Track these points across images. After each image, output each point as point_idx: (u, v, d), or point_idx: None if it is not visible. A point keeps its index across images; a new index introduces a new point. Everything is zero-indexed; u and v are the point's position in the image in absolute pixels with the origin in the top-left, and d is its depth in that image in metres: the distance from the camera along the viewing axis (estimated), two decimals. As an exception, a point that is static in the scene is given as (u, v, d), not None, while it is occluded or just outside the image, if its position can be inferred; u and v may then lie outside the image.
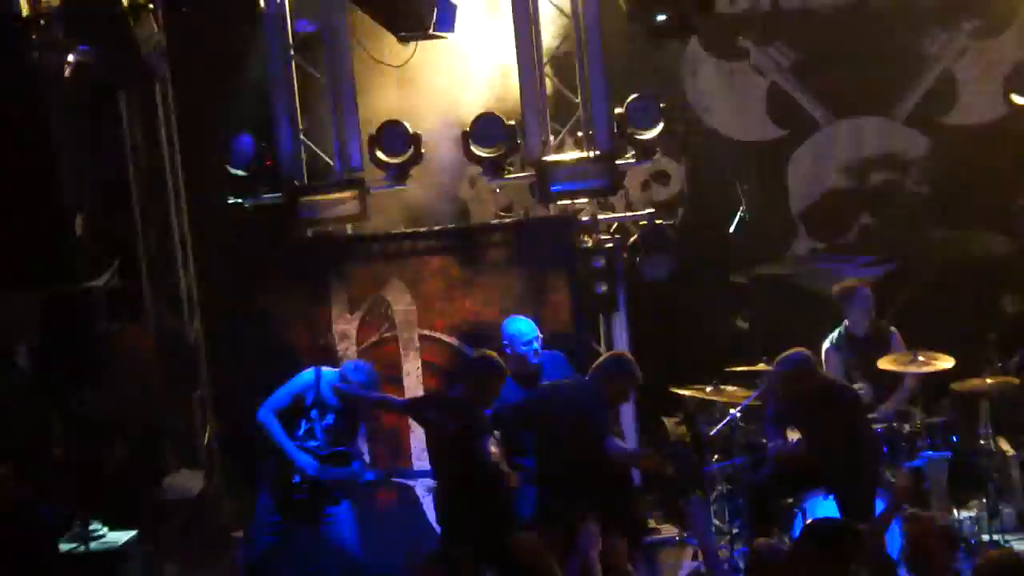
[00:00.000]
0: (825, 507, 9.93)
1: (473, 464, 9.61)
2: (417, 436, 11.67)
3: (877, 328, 11.76)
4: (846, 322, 11.77)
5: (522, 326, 10.71)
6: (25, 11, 11.55)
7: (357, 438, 10.86)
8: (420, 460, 11.67)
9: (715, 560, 10.62)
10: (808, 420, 10.16)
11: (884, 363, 11.19)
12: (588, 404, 9.85)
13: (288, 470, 10.61)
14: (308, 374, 10.78)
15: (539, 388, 10.41)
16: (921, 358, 11.06)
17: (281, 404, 10.70)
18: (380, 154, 11.91)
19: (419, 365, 11.69)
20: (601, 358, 10.06)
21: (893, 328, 11.77)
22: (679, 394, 11.77)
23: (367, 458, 11.06)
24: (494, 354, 9.99)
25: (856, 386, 11.09)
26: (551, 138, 12.21)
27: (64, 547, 11.51)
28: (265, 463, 10.79)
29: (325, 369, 10.81)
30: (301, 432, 10.68)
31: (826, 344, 11.69)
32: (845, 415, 10.04)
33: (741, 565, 10.74)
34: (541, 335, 10.75)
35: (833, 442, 9.92)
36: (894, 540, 9.65)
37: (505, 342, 10.73)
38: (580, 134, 12.30)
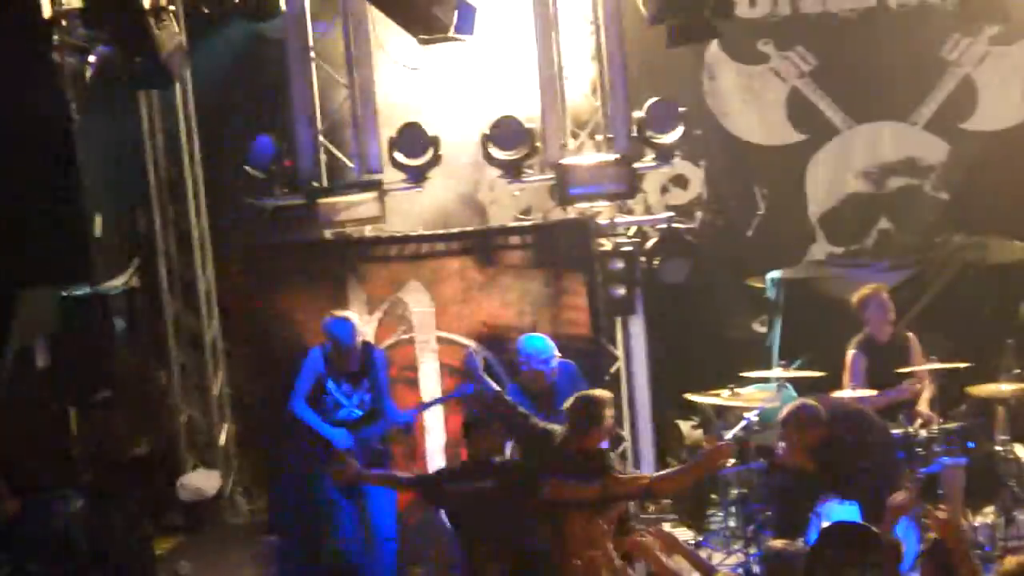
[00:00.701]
0: (841, 511, 9.91)
1: (527, 523, 9.19)
2: (433, 437, 11.72)
3: (895, 335, 11.74)
4: (867, 328, 11.75)
5: (539, 343, 10.69)
6: (47, 11, 11.61)
7: (381, 392, 10.93)
8: (434, 461, 11.74)
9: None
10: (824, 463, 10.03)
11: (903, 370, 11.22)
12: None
13: (333, 447, 10.76)
14: (315, 351, 11.00)
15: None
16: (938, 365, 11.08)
17: (306, 388, 10.92)
18: (399, 156, 11.93)
19: (436, 367, 11.69)
20: (569, 407, 9.22)
21: (910, 334, 11.74)
22: (695, 401, 11.75)
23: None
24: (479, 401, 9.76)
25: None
26: (570, 141, 12.22)
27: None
28: (315, 450, 10.92)
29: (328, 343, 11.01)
30: (330, 407, 10.89)
31: (852, 349, 11.64)
32: (858, 447, 9.90)
33: (756, 569, 10.73)
34: (558, 352, 10.73)
35: (849, 467, 9.83)
36: (909, 550, 9.64)
37: (522, 359, 10.72)
38: (599, 137, 12.31)
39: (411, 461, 11.77)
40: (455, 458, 11.69)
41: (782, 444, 9.80)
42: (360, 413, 10.88)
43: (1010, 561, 7.80)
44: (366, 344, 11.08)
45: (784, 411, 9.85)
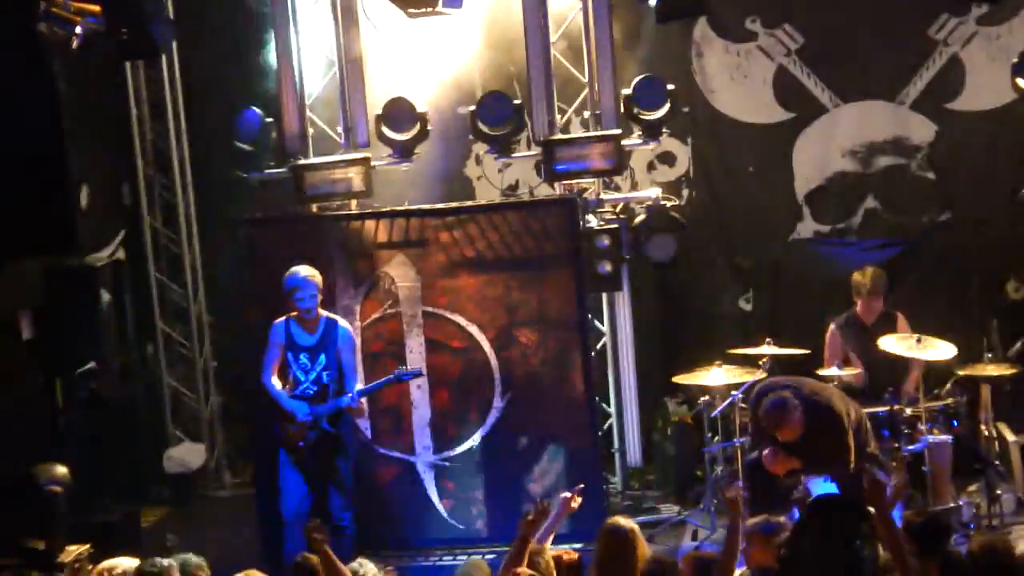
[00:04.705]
0: (826, 487, 9.93)
1: None
2: (420, 413, 11.73)
3: (882, 313, 11.78)
4: (857, 307, 11.78)
5: None
6: (33, -18, 11.54)
7: (343, 371, 10.81)
8: (422, 436, 11.75)
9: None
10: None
11: (886, 344, 11.18)
12: None
13: (288, 422, 10.76)
14: (278, 323, 10.92)
15: None
16: (922, 342, 11.08)
17: (272, 360, 10.87)
18: (386, 131, 11.91)
19: (422, 341, 11.69)
20: None
21: (898, 313, 11.79)
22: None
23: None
24: None
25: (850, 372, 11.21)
26: (558, 117, 12.21)
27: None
28: (272, 427, 10.91)
29: (293, 314, 10.92)
30: (292, 380, 10.82)
31: (832, 325, 11.72)
32: (824, 436, 9.80)
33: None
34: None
35: (817, 455, 9.74)
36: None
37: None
38: (587, 114, 12.30)
39: (397, 435, 11.79)
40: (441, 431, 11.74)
41: (767, 451, 9.74)
42: (315, 389, 10.78)
43: (976, 540, 7.89)
44: (329, 319, 10.91)
45: (760, 406, 9.65)
